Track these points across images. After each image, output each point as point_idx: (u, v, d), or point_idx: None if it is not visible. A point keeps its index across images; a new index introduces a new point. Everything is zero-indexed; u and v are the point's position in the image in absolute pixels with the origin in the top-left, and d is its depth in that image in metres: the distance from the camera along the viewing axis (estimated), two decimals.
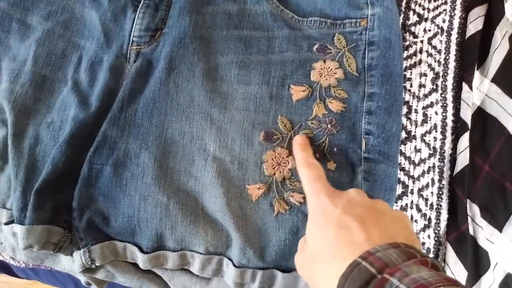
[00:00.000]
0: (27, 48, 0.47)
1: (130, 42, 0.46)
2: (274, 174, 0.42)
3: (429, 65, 0.47)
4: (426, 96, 0.46)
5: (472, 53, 0.45)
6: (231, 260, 0.41)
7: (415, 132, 0.46)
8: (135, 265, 0.43)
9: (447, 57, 0.47)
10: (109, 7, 0.47)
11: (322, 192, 0.35)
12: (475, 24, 0.46)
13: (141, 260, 0.41)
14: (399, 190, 0.45)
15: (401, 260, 0.28)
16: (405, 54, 0.47)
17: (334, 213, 0.33)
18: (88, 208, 0.42)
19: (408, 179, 0.45)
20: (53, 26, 0.47)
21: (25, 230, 0.40)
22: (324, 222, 0.33)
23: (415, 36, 0.47)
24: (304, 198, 0.41)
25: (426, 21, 0.48)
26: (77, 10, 0.48)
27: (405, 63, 0.47)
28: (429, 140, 0.46)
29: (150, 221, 0.41)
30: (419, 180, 0.45)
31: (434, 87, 0.46)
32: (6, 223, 0.42)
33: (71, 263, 0.44)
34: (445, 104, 0.46)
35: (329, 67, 0.44)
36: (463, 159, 0.43)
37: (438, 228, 0.44)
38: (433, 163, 0.45)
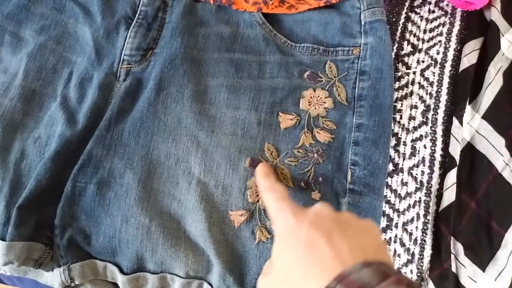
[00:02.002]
0: (19, 61, 0.46)
1: (121, 60, 0.46)
2: (258, 201, 0.42)
3: (420, 97, 0.46)
4: (415, 128, 0.46)
5: (464, 87, 0.45)
6: (211, 285, 0.41)
7: (402, 165, 0.45)
8: (115, 284, 0.43)
9: (439, 90, 0.46)
10: (102, 24, 0.47)
11: (287, 209, 0.34)
12: (469, 57, 0.45)
13: (121, 281, 0.41)
14: (383, 223, 0.44)
15: (376, 281, 0.27)
16: (397, 84, 0.46)
17: (301, 229, 0.32)
18: (70, 226, 0.42)
19: (393, 212, 0.45)
20: (46, 40, 0.47)
21: (6, 246, 0.40)
22: (293, 240, 0.32)
23: (408, 67, 0.47)
24: None
25: (420, 52, 0.47)
26: (70, 25, 0.48)
27: (396, 94, 0.46)
28: (416, 174, 0.45)
29: (131, 243, 0.41)
30: (404, 214, 0.45)
31: (424, 120, 0.46)
32: None
33: (53, 278, 0.43)
34: (434, 138, 0.45)
35: (318, 96, 0.43)
36: (449, 196, 0.43)
37: (421, 264, 0.43)
38: (419, 198, 0.45)
